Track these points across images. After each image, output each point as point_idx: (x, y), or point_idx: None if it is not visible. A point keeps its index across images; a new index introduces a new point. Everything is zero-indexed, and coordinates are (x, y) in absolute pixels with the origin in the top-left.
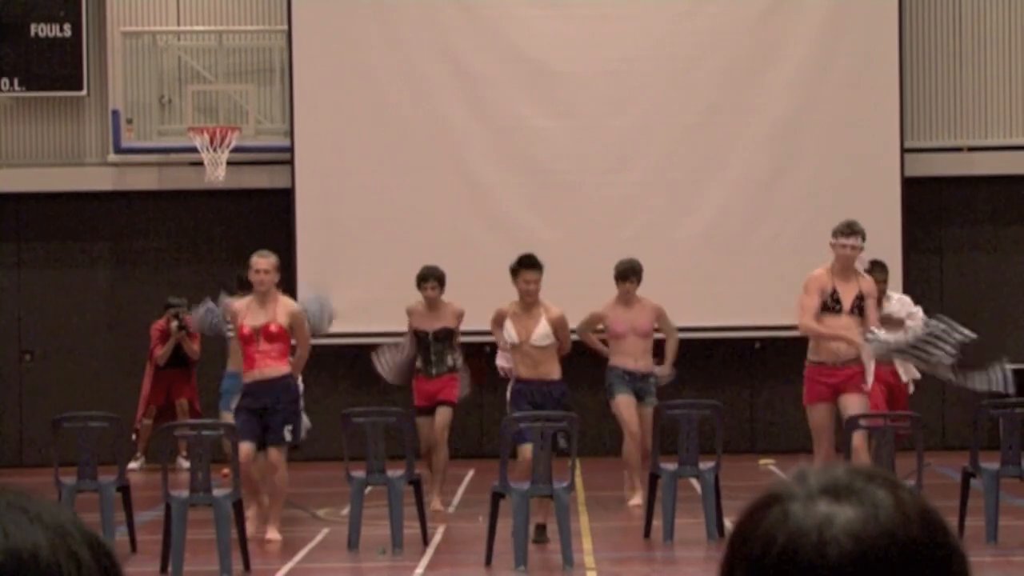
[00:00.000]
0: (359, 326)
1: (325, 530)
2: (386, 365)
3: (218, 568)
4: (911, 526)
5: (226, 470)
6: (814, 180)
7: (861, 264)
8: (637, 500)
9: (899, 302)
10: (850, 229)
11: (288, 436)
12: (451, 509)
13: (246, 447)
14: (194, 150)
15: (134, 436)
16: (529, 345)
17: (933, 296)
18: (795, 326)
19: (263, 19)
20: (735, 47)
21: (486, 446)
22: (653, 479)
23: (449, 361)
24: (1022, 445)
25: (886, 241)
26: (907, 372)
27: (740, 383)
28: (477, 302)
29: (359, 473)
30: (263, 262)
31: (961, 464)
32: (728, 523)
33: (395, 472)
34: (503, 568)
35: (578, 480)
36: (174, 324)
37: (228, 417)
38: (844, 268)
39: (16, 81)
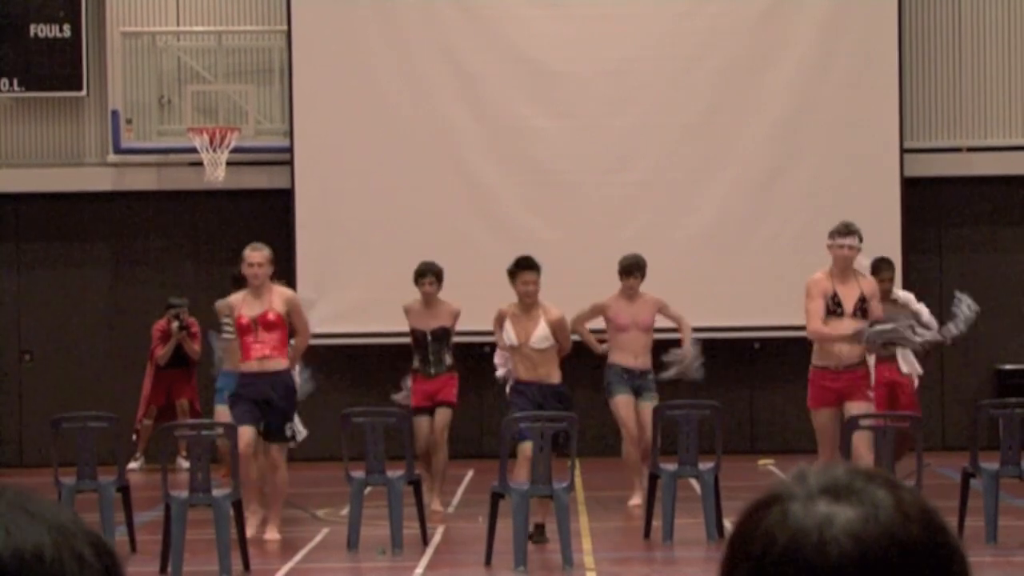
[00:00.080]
0: (359, 326)
1: (325, 530)
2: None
3: (218, 568)
4: (911, 526)
5: (224, 471)
6: (814, 180)
7: (862, 264)
8: (637, 500)
9: (904, 300)
10: (847, 229)
11: (288, 433)
12: (451, 509)
13: (246, 431)
14: (194, 150)
15: (134, 436)
16: (528, 347)
17: (932, 296)
18: (795, 326)
19: (263, 19)
20: (735, 47)
21: (486, 446)
22: (653, 479)
23: (447, 360)
24: (1022, 445)
25: (886, 241)
26: (908, 364)
27: (740, 383)
28: (477, 302)
29: (359, 473)
30: (256, 255)
31: (961, 464)
32: (728, 523)
33: (395, 472)
34: (503, 568)
35: (578, 480)
36: (175, 324)
37: (221, 412)
38: (843, 270)
39: (16, 81)
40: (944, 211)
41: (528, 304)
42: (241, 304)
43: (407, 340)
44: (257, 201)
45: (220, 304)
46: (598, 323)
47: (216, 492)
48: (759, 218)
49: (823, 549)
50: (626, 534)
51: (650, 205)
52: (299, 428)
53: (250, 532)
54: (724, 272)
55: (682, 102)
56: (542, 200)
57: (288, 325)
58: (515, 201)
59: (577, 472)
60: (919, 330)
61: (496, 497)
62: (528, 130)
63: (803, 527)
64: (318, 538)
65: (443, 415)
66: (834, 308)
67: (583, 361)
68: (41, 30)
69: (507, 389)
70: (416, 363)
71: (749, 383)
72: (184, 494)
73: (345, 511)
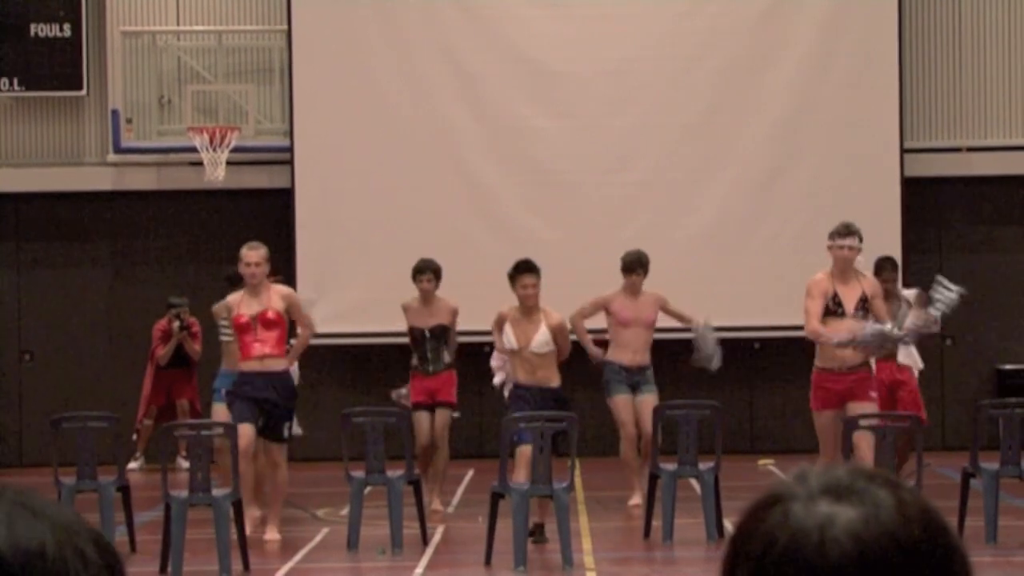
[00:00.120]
0: (359, 326)
1: (325, 530)
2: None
3: (217, 568)
4: (912, 526)
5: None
6: (814, 180)
7: (862, 264)
8: (637, 500)
9: (907, 298)
10: (847, 230)
11: (287, 432)
12: (450, 509)
13: (246, 428)
14: (194, 150)
15: (135, 436)
16: (528, 351)
17: None
18: (795, 326)
19: (263, 19)
20: (735, 47)
21: (486, 446)
22: (653, 479)
23: (446, 358)
24: (1022, 445)
25: (886, 241)
26: (907, 355)
27: (739, 383)
28: (476, 302)
29: (359, 473)
30: (253, 255)
31: (961, 464)
32: (728, 523)
33: (395, 472)
34: (503, 568)
35: (578, 480)
36: (176, 324)
37: (219, 411)
38: (843, 270)
39: (16, 81)
40: (944, 211)
41: (528, 307)
42: (240, 303)
43: (407, 340)
44: (257, 201)
45: (217, 307)
46: (599, 323)
47: (216, 492)
48: (759, 218)
49: (824, 549)
50: (626, 534)
51: (650, 205)
52: (295, 426)
53: (249, 530)
54: (724, 272)
55: (682, 102)
56: (542, 200)
57: (287, 323)
58: (515, 201)
59: (577, 472)
60: (907, 323)
61: (496, 497)
62: (528, 130)
63: (804, 527)
64: (318, 538)
65: (443, 416)
66: (835, 308)
67: (583, 361)
68: (41, 29)
69: (506, 394)
70: (415, 361)
71: (749, 383)
72: (184, 494)
73: (345, 511)
